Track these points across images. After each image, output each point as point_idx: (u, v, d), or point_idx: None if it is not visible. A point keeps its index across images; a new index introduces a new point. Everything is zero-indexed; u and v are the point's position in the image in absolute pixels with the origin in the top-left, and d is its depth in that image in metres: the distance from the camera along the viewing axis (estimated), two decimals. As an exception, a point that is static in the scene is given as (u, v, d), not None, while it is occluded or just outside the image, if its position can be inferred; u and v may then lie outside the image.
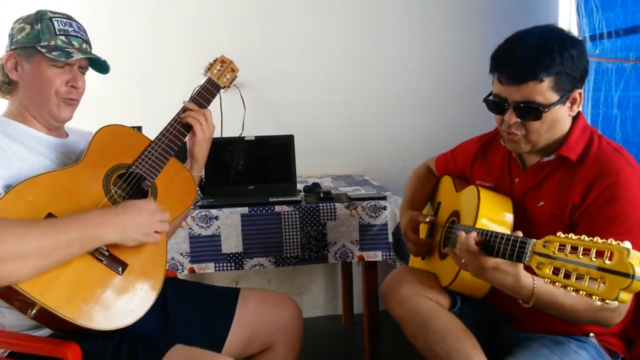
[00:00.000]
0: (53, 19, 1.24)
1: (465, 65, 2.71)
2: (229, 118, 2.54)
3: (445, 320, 1.30)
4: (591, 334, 1.28)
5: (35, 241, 1.00)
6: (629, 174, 1.16)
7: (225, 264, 1.96)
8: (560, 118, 1.23)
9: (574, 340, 1.25)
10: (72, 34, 1.26)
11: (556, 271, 0.90)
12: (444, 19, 2.72)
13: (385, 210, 2.00)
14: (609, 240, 0.84)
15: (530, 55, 1.19)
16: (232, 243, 1.95)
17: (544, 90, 1.18)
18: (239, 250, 1.96)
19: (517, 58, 1.21)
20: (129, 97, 2.54)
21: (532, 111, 1.20)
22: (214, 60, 1.57)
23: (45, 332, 1.17)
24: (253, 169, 2.19)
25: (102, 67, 1.33)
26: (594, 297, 0.83)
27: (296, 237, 1.98)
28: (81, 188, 1.19)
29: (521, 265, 1.06)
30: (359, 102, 2.73)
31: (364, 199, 2.02)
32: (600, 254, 0.84)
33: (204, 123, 1.41)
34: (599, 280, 0.83)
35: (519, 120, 1.22)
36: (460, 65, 2.70)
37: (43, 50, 1.21)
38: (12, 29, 1.26)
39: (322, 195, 2.05)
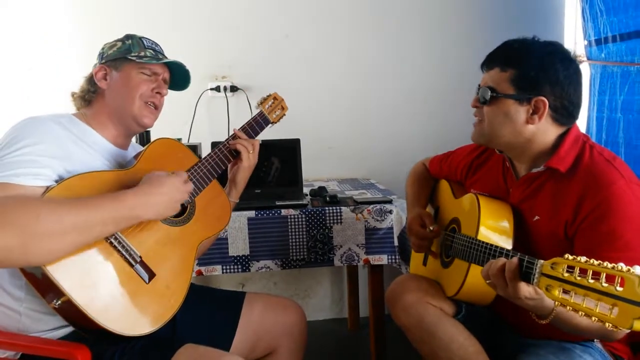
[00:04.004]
0: (142, 38, 1.38)
1: (470, 71, 2.70)
2: (236, 122, 2.54)
3: (449, 327, 1.31)
4: (596, 340, 1.28)
5: (74, 217, 1.02)
6: (621, 187, 1.14)
7: (232, 267, 1.98)
8: (513, 116, 1.24)
9: (579, 345, 1.25)
10: (158, 50, 1.40)
11: (566, 293, 0.88)
12: (448, 25, 2.73)
13: (391, 214, 2.01)
14: (619, 265, 0.81)
15: (510, 47, 1.27)
16: (239, 246, 1.97)
17: (503, 80, 1.24)
18: (246, 253, 1.98)
19: (499, 48, 1.29)
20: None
21: (484, 93, 1.27)
22: (268, 96, 1.65)
23: (56, 334, 1.19)
24: (260, 173, 2.21)
25: (181, 82, 1.45)
26: (607, 324, 0.81)
27: (302, 240, 1.99)
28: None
29: None
30: (365, 106, 2.74)
31: (370, 203, 2.03)
32: (610, 279, 0.82)
33: (251, 152, 1.49)
34: (611, 306, 0.81)
35: (478, 103, 1.30)
36: (465, 70, 2.69)
37: (134, 57, 1.31)
38: (103, 49, 1.37)
39: (328, 198, 2.07)
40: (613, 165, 1.18)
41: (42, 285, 1.10)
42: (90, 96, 1.34)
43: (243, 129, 1.54)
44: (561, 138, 1.26)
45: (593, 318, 0.83)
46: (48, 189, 1.10)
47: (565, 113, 1.24)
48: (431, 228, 1.52)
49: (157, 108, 1.37)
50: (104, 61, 1.34)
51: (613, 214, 1.12)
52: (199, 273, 1.97)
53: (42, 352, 1.13)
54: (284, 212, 1.98)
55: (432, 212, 1.69)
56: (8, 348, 1.17)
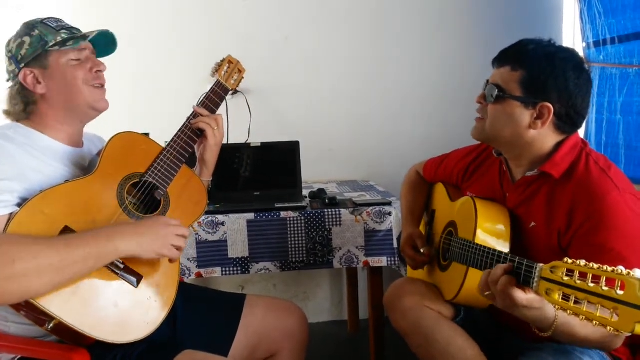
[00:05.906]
0: (45, 22, 1.24)
1: (470, 72, 2.71)
2: (236, 125, 2.56)
3: (447, 330, 1.31)
4: None
5: (50, 257, 0.99)
6: (615, 198, 1.13)
7: (231, 269, 1.98)
8: (517, 118, 1.23)
9: (579, 347, 1.25)
10: (67, 25, 1.27)
11: (566, 297, 0.88)
12: (447, 26, 2.73)
13: (390, 215, 2.01)
14: (619, 269, 0.80)
15: (524, 48, 1.24)
16: (238, 248, 1.97)
17: (512, 80, 1.22)
18: (245, 255, 1.98)
19: (514, 46, 1.27)
20: (136, 104, 2.56)
21: (491, 90, 1.25)
22: (222, 61, 1.54)
23: (50, 339, 1.18)
24: (259, 175, 2.21)
25: (106, 48, 1.33)
26: (608, 327, 0.80)
27: (301, 242, 1.99)
28: (96, 199, 1.18)
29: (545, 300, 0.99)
30: (364, 108, 2.74)
31: (369, 205, 2.03)
32: (610, 282, 0.81)
33: (215, 128, 1.40)
34: (612, 310, 0.80)
35: (483, 100, 1.28)
36: (465, 72, 2.71)
37: (56, 47, 1.20)
38: (9, 51, 1.23)
39: (327, 201, 2.06)
40: (607, 175, 1.18)
41: (30, 312, 1.08)
42: (32, 108, 1.24)
43: (203, 104, 1.44)
44: (559, 144, 1.25)
45: (594, 322, 0.82)
46: (12, 216, 1.05)
47: (569, 122, 1.23)
48: (422, 251, 1.52)
49: (103, 86, 1.29)
50: (22, 64, 1.21)
51: (605, 226, 1.12)
52: (199, 275, 1.97)
53: (41, 355, 1.13)
54: (283, 214, 1.98)
55: (427, 218, 1.69)
56: (7, 351, 1.16)
